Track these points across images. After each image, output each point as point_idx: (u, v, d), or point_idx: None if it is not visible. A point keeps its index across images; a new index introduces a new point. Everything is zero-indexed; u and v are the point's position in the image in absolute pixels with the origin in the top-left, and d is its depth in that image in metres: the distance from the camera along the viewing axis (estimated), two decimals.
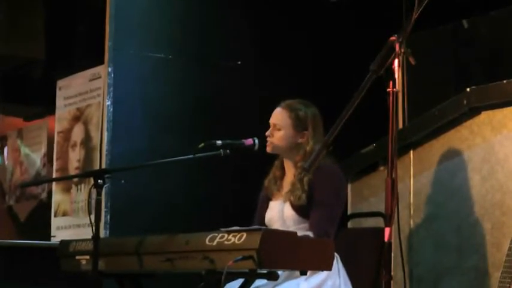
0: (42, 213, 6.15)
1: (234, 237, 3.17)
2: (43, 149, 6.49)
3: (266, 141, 4.02)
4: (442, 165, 4.45)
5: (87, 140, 5.40)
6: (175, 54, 5.28)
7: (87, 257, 3.70)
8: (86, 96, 5.45)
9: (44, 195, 6.39)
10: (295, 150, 4.00)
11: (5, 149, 7.01)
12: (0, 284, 5.27)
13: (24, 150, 6.76)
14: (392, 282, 2.89)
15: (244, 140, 3.89)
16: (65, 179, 5.61)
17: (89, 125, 5.39)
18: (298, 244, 3.25)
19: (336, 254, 3.74)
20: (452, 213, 4.36)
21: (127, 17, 5.18)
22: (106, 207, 4.96)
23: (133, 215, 5.01)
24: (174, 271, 3.48)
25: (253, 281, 3.37)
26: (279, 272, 3.36)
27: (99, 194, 3.50)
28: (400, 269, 3.37)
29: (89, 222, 3.49)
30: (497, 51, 5.73)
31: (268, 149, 4.03)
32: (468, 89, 4.28)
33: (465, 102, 4.28)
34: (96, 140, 5.29)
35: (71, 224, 5.47)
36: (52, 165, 5.86)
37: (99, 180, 3.51)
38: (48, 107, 6.07)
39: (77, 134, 5.51)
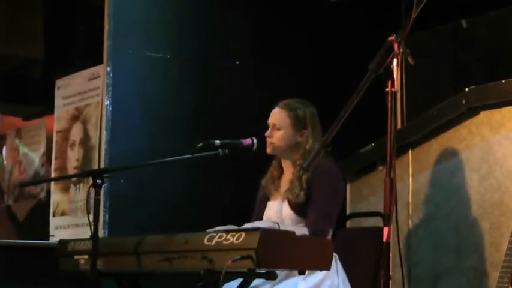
0: (40, 213, 6.15)
1: (232, 237, 3.18)
2: (42, 149, 6.49)
3: (265, 142, 4.02)
4: (441, 165, 4.46)
5: (85, 140, 5.40)
6: (174, 54, 5.28)
7: (86, 256, 3.70)
8: (85, 95, 5.45)
9: (42, 195, 6.39)
10: (294, 150, 4.00)
11: (4, 149, 7.01)
12: None
13: (23, 149, 6.76)
14: (391, 282, 2.89)
15: (242, 140, 3.89)
16: (64, 179, 5.61)
17: (87, 124, 5.39)
18: (296, 244, 3.25)
19: (334, 254, 3.74)
20: (451, 213, 4.37)
21: (126, 17, 5.18)
22: (105, 206, 4.96)
23: (132, 214, 5.01)
24: (172, 271, 3.48)
25: (251, 281, 3.37)
26: (278, 272, 3.36)
27: (97, 193, 3.49)
28: (398, 268, 3.38)
29: (87, 221, 3.49)
30: (496, 51, 5.73)
31: (269, 150, 4.03)
32: (467, 89, 4.28)
33: (464, 102, 4.28)
34: (94, 140, 5.29)
35: (69, 223, 5.47)
36: (51, 165, 5.86)
37: (97, 180, 3.51)
38: (47, 107, 6.07)
39: (76, 133, 5.51)
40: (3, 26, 6.31)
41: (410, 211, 4.59)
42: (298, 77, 5.51)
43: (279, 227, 3.58)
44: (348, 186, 4.90)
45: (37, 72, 6.58)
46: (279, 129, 4.01)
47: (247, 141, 3.89)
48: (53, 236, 5.59)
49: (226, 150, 3.79)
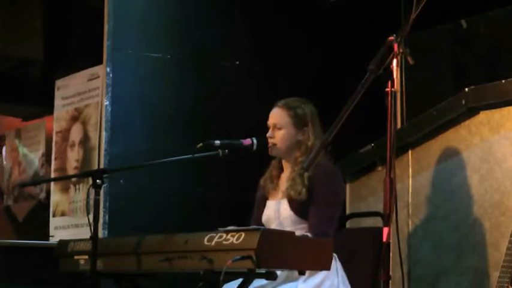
0: (40, 213, 6.14)
1: (232, 237, 3.18)
2: (41, 149, 6.48)
3: (265, 142, 4.02)
4: (441, 165, 4.46)
5: (85, 140, 5.40)
6: (174, 54, 5.28)
7: (86, 256, 3.71)
8: (84, 96, 5.45)
9: (42, 195, 6.39)
10: (296, 148, 4.00)
11: (3, 149, 7.01)
12: None
13: (23, 150, 6.75)
14: (390, 282, 2.89)
15: (242, 140, 3.89)
16: (63, 179, 5.61)
17: (87, 124, 5.39)
18: (296, 244, 3.25)
19: (334, 254, 3.74)
20: (451, 213, 4.37)
21: (125, 17, 5.18)
22: (104, 207, 4.96)
23: (132, 215, 5.01)
24: (172, 271, 3.47)
25: (251, 281, 3.37)
26: (278, 273, 3.36)
27: (97, 193, 3.50)
28: (398, 268, 3.38)
29: (87, 222, 3.49)
30: (495, 51, 5.73)
31: (271, 152, 4.02)
32: (466, 89, 4.28)
33: (463, 102, 4.28)
34: (94, 140, 5.29)
35: (69, 224, 5.46)
36: (50, 165, 5.85)
37: (97, 180, 3.51)
38: (46, 107, 6.07)
39: (76, 133, 5.51)
40: (3, 26, 6.31)
41: (410, 211, 4.59)
42: (297, 77, 5.51)
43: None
44: (348, 187, 4.90)
45: (36, 72, 6.58)
46: (280, 129, 4.01)
47: (247, 141, 3.89)
48: (52, 236, 5.59)
49: (226, 151, 3.79)
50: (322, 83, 5.53)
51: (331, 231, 3.83)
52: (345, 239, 4.08)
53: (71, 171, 5.50)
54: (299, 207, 3.90)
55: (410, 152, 4.62)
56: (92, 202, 3.49)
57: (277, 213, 3.98)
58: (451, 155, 4.41)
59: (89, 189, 3.54)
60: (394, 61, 2.93)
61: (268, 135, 4.02)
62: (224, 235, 3.21)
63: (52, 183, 5.74)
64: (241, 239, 3.15)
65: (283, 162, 4.08)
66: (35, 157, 6.55)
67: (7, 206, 6.86)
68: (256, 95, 5.27)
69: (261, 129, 4.07)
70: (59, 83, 5.77)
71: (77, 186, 5.44)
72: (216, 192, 5.24)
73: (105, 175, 3.59)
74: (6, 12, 6.32)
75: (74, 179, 5.45)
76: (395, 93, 2.93)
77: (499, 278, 3.63)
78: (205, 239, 3.26)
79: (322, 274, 3.73)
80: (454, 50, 5.99)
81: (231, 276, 3.33)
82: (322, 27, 5.74)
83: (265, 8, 5.58)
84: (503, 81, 4.14)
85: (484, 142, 4.24)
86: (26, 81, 6.72)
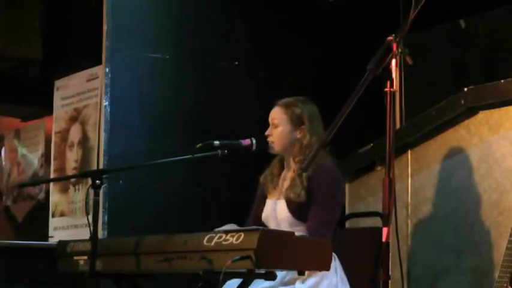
0: (39, 214, 6.15)
1: (232, 238, 3.18)
2: (40, 150, 6.49)
3: (265, 141, 4.03)
4: (440, 165, 4.46)
5: (84, 140, 5.40)
6: (173, 55, 5.28)
7: (85, 257, 3.70)
8: (84, 96, 5.45)
9: (41, 196, 6.39)
10: (293, 146, 4.01)
11: (2, 150, 7.01)
12: None
13: (22, 150, 6.76)
14: (390, 282, 2.89)
15: (242, 140, 3.89)
16: (63, 180, 5.61)
17: (86, 125, 5.39)
18: (295, 244, 3.25)
19: (333, 254, 3.74)
20: (450, 213, 4.37)
21: (124, 17, 5.18)
22: (104, 207, 4.96)
23: (131, 215, 5.01)
24: (171, 271, 3.48)
25: (251, 281, 3.37)
26: (278, 274, 3.36)
27: (96, 194, 3.49)
28: (398, 268, 3.38)
29: (86, 222, 3.48)
30: (494, 51, 5.73)
31: (270, 149, 4.03)
32: (465, 89, 4.29)
33: (462, 102, 4.28)
34: (93, 141, 5.29)
35: (68, 224, 5.46)
36: (49, 166, 5.85)
37: (96, 181, 3.51)
38: (45, 108, 6.07)
39: (75, 134, 5.51)
40: (2, 26, 6.31)
41: (409, 211, 4.59)
42: (297, 77, 5.51)
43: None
44: (347, 187, 4.90)
45: (36, 73, 6.58)
46: (277, 127, 4.02)
47: (246, 141, 3.89)
48: (52, 236, 5.59)
49: (226, 151, 3.79)
50: (322, 82, 5.53)
51: (329, 234, 3.83)
52: (344, 239, 4.08)
53: (70, 171, 5.50)
54: (297, 209, 3.90)
55: (409, 151, 4.62)
56: (91, 202, 3.48)
57: (274, 212, 3.99)
58: (450, 154, 4.41)
59: (88, 189, 3.54)
60: (393, 61, 2.93)
61: (266, 133, 4.03)
62: (223, 235, 3.21)
63: (51, 184, 5.74)
64: (240, 239, 3.15)
65: (285, 161, 4.09)
66: (34, 157, 6.55)
67: (6, 206, 6.86)
68: (255, 95, 5.27)
69: (260, 129, 4.07)
70: (58, 83, 5.77)
71: (76, 187, 5.44)
72: (216, 192, 5.24)
73: (104, 175, 3.59)
74: (6, 12, 6.32)
75: (73, 180, 5.45)
76: (394, 93, 2.93)
77: (499, 278, 3.63)
78: (205, 239, 3.26)
79: (320, 273, 3.73)
80: (453, 50, 5.99)
81: (230, 277, 3.33)
82: (321, 27, 5.74)
83: (265, 8, 5.58)
84: (502, 81, 4.15)
85: (483, 142, 4.24)
86: (25, 81, 6.72)
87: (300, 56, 5.64)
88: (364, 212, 4.70)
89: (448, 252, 4.34)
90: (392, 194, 2.87)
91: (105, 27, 5.14)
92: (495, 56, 5.72)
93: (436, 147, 4.49)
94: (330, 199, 3.90)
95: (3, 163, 6.95)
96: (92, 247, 3.44)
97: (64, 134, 5.62)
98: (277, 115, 4.04)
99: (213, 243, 3.22)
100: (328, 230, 3.84)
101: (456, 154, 4.37)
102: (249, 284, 3.36)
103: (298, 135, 4.01)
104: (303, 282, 3.72)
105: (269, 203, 4.05)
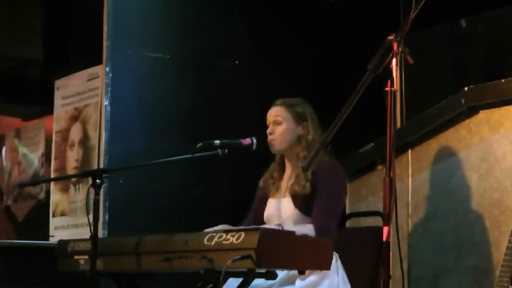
0: (40, 213, 6.15)
1: (232, 237, 3.18)
2: (41, 149, 6.49)
3: (266, 141, 4.02)
4: (440, 164, 4.46)
5: (85, 140, 5.40)
6: (173, 54, 5.28)
7: (86, 256, 3.70)
8: (84, 96, 5.45)
9: (42, 195, 6.39)
10: (296, 143, 4.02)
11: (3, 149, 7.01)
12: None
13: (22, 150, 6.76)
14: (390, 281, 2.89)
15: (242, 140, 3.89)
16: (63, 179, 5.61)
17: (87, 124, 5.39)
18: (296, 243, 3.25)
19: (334, 253, 3.75)
20: (451, 212, 4.37)
21: (125, 17, 5.18)
22: (104, 207, 4.96)
23: (132, 214, 5.01)
24: (172, 271, 3.48)
25: (251, 281, 3.37)
26: (279, 274, 3.36)
27: (97, 193, 3.50)
28: (398, 268, 3.38)
29: (87, 222, 3.49)
30: (495, 50, 5.73)
31: (272, 148, 4.03)
32: (466, 88, 4.29)
33: (463, 101, 4.28)
34: (94, 140, 5.29)
35: (69, 223, 5.46)
36: (50, 165, 5.86)
37: (97, 180, 3.51)
38: (46, 107, 6.07)
39: (75, 133, 5.51)
40: (2, 27, 6.32)
41: (410, 210, 4.59)
42: (297, 77, 5.51)
43: (283, 229, 3.60)
44: (348, 186, 4.88)
45: (36, 72, 6.58)
46: (280, 124, 4.02)
47: (247, 141, 3.90)
48: (52, 236, 5.59)
49: (226, 150, 3.80)
50: (322, 82, 5.53)
51: (334, 225, 3.84)
52: (345, 238, 4.07)
53: (70, 171, 5.50)
54: (303, 203, 3.90)
55: (410, 151, 4.62)
56: (91, 202, 3.49)
57: (279, 211, 3.99)
58: (450, 154, 4.41)
59: (88, 189, 3.54)
60: (394, 60, 2.93)
61: (268, 131, 4.03)
62: (224, 235, 3.21)
63: (52, 183, 5.74)
64: (241, 239, 3.15)
65: (286, 161, 4.09)
66: (35, 157, 6.55)
67: (7, 206, 6.86)
68: (256, 95, 5.27)
69: (260, 129, 4.07)
70: (58, 83, 5.77)
71: (77, 186, 5.44)
72: (216, 192, 5.24)
73: (104, 175, 3.59)
74: (6, 12, 6.32)
75: (73, 179, 5.45)
76: (394, 92, 2.93)
77: (499, 277, 3.63)
78: (205, 239, 3.26)
79: (322, 272, 3.73)
80: (453, 50, 5.99)
81: (231, 276, 3.33)
82: (321, 27, 5.74)
83: (265, 8, 5.58)
84: (502, 80, 4.15)
85: (483, 141, 4.24)
86: (25, 81, 6.72)
87: (300, 56, 5.64)
88: (364, 212, 4.70)
89: (449, 251, 4.34)
90: (392, 194, 2.87)
91: (105, 27, 5.14)
92: (496, 56, 5.72)
93: (437, 147, 4.49)
94: (334, 191, 3.92)
95: (4, 163, 6.95)
96: (92, 247, 3.44)
97: (64, 134, 5.62)
98: (280, 112, 4.04)
99: (213, 243, 3.22)
100: (333, 221, 3.85)
101: (457, 153, 4.37)
102: (250, 283, 3.37)
103: (301, 131, 4.02)
104: (303, 280, 3.72)
105: (272, 202, 4.05)
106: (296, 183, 3.93)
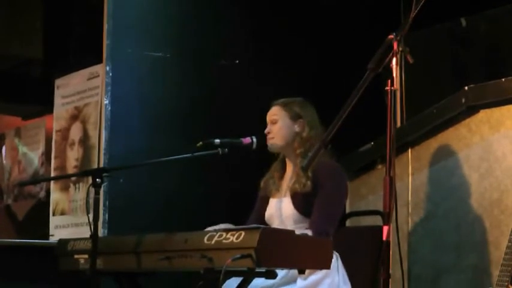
0: (40, 212, 6.15)
1: (232, 236, 3.18)
2: (41, 148, 6.49)
3: (265, 140, 4.03)
4: (440, 163, 4.46)
5: (85, 139, 5.40)
6: (174, 53, 5.28)
7: (86, 255, 3.71)
8: (84, 95, 5.45)
9: (42, 194, 6.39)
10: (293, 141, 4.03)
11: (3, 148, 7.01)
12: None
13: (22, 149, 6.76)
14: (390, 280, 2.89)
15: (242, 139, 3.90)
16: (63, 178, 5.61)
17: (87, 123, 5.39)
18: (296, 243, 3.25)
19: (335, 253, 3.75)
20: (451, 212, 4.37)
21: (125, 16, 5.17)
22: (104, 206, 4.96)
23: (132, 213, 5.01)
24: (172, 270, 3.48)
25: (251, 280, 3.37)
26: (279, 273, 3.36)
27: (97, 192, 3.50)
28: (398, 267, 3.38)
29: (87, 221, 3.49)
30: (495, 50, 5.73)
31: (270, 147, 4.05)
32: (466, 87, 4.29)
33: (463, 100, 4.28)
34: (94, 139, 5.29)
35: (69, 222, 5.46)
36: (50, 164, 5.85)
37: (97, 179, 3.51)
38: (46, 106, 6.07)
39: (75, 132, 5.51)
40: (3, 26, 6.31)
41: (410, 210, 4.60)
42: (297, 76, 5.51)
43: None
44: (348, 185, 4.89)
45: (36, 71, 6.58)
46: (276, 123, 4.05)
47: (247, 140, 3.90)
48: (52, 235, 5.59)
49: (226, 149, 3.80)
50: (322, 82, 5.53)
51: (331, 229, 3.84)
52: (345, 237, 4.08)
53: (70, 170, 5.50)
54: (302, 203, 3.91)
55: (410, 150, 4.63)
56: (91, 201, 3.49)
57: (279, 211, 4.00)
58: (450, 153, 4.41)
59: (88, 188, 3.54)
60: (394, 59, 2.93)
61: (266, 131, 4.05)
62: (224, 234, 3.21)
63: (52, 182, 5.74)
64: (241, 238, 3.15)
65: (287, 160, 4.10)
66: (35, 156, 6.55)
67: (7, 205, 6.86)
68: (256, 95, 5.26)
69: (260, 128, 4.07)
70: (58, 82, 5.77)
71: (77, 185, 5.44)
72: (216, 191, 5.24)
73: (104, 174, 3.59)
74: (7, 11, 6.32)
75: (73, 178, 5.45)
76: (395, 91, 2.93)
77: (499, 277, 3.63)
78: (205, 238, 3.26)
79: (322, 272, 3.73)
80: (453, 49, 5.99)
81: (231, 275, 3.33)
82: (321, 26, 5.74)
83: (265, 7, 5.58)
84: (503, 79, 4.15)
85: (483, 140, 4.24)
86: (25, 80, 6.72)
87: (300, 56, 5.64)
88: (364, 211, 4.70)
89: (449, 250, 4.34)
90: (392, 193, 2.87)
91: (105, 26, 5.13)
92: (496, 55, 5.72)
93: (437, 146, 4.49)
94: (333, 194, 3.92)
95: (4, 162, 6.95)
96: (92, 245, 3.44)
97: (65, 133, 5.62)
98: (276, 112, 4.09)
99: (213, 242, 3.22)
100: (331, 225, 3.85)
101: (457, 153, 4.37)
102: (250, 282, 3.37)
103: (297, 128, 4.04)
104: (304, 279, 3.72)
105: (273, 201, 4.06)
106: (297, 182, 3.94)
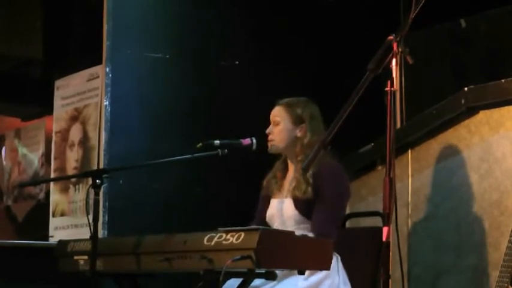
0: (40, 213, 6.15)
1: (232, 237, 3.18)
2: (41, 149, 6.49)
3: (266, 141, 4.03)
4: (440, 164, 4.46)
5: (85, 140, 5.39)
6: (174, 54, 5.28)
7: (85, 257, 3.71)
8: (84, 96, 5.45)
9: (41, 195, 6.39)
10: (294, 145, 4.02)
11: (3, 149, 7.01)
12: None
13: (22, 150, 6.76)
14: (390, 281, 2.89)
15: (242, 140, 3.90)
16: (63, 179, 5.61)
17: (86, 125, 5.39)
18: (296, 244, 3.25)
19: (336, 254, 3.75)
20: (450, 213, 4.37)
21: (125, 17, 5.17)
22: (104, 207, 4.96)
23: (131, 215, 5.01)
24: (172, 271, 3.48)
25: (251, 281, 3.37)
26: (278, 271, 3.36)
27: (97, 194, 3.50)
28: (398, 268, 3.38)
29: (87, 222, 3.49)
30: (494, 50, 5.73)
31: (270, 148, 4.04)
32: (466, 88, 4.29)
33: (463, 101, 4.28)
34: (94, 140, 5.29)
35: (69, 224, 5.46)
36: (50, 165, 5.85)
37: (97, 180, 3.51)
38: (46, 107, 6.07)
39: (75, 134, 5.51)
40: (2, 26, 6.31)
41: (410, 211, 4.59)
42: (297, 77, 5.51)
43: None
44: (349, 186, 4.89)
45: (36, 72, 6.58)
46: (278, 125, 4.04)
47: (247, 141, 3.90)
48: (52, 236, 5.58)
49: (226, 150, 3.80)
50: (322, 82, 5.53)
51: (333, 232, 3.83)
52: (345, 238, 4.08)
53: (70, 171, 5.50)
54: (304, 207, 3.90)
55: (410, 151, 4.62)
56: (91, 202, 3.49)
57: (280, 212, 3.99)
58: (450, 154, 4.41)
59: (88, 189, 3.54)
60: (394, 60, 2.93)
61: (267, 131, 4.04)
62: (224, 235, 3.21)
63: (52, 183, 5.74)
64: (240, 239, 3.15)
65: (288, 161, 4.09)
66: (35, 157, 6.55)
67: (7, 206, 6.86)
68: (256, 95, 5.26)
69: (261, 129, 4.07)
70: (58, 83, 5.77)
71: (77, 186, 5.44)
72: (216, 192, 5.23)
73: (104, 175, 3.59)
74: (7, 12, 6.32)
75: (73, 179, 5.45)
76: (394, 92, 2.93)
77: (499, 278, 3.63)
78: (205, 239, 3.26)
79: (323, 273, 3.73)
80: (453, 49, 5.99)
81: (230, 276, 3.33)
82: (321, 26, 5.74)
83: (265, 7, 5.57)
84: (502, 80, 4.15)
85: (483, 141, 4.24)
86: (25, 81, 6.72)
87: (300, 56, 5.64)
88: (364, 212, 4.70)
89: (449, 251, 4.34)
90: (392, 194, 2.87)
91: (105, 27, 5.13)
92: (496, 56, 5.72)
93: (437, 147, 4.49)
94: (334, 197, 3.91)
95: (4, 163, 6.95)
96: (92, 247, 3.44)
97: (64, 134, 5.62)
98: (278, 113, 4.06)
99: (213, 243, 3.22)
100: (333, 228, 3.84)
101: (457, 154, 4.37)
102: (249, 283, 3.37)
103: (298, 133, 4.02)
104: (305, 279, 3.72)
105: (274, 202, 4.06)
106: (297, 188, 3.92)
